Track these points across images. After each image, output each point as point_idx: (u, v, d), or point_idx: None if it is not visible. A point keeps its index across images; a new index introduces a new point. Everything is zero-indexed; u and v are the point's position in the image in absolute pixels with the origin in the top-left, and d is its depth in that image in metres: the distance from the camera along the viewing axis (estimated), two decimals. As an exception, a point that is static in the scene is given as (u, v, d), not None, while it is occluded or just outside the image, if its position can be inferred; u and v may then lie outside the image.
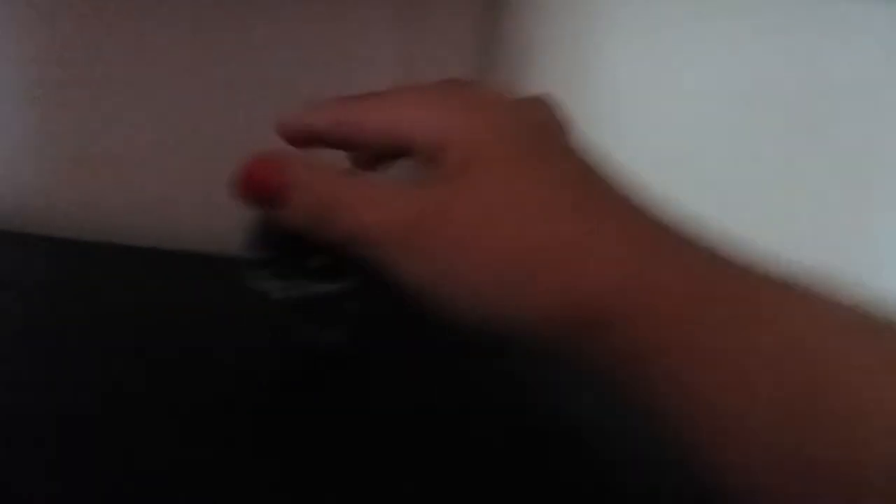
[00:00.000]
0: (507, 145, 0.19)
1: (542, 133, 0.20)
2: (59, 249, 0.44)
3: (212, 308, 0.37)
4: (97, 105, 0.48)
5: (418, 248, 0.19)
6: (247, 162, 0.21)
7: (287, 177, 0.21)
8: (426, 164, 0.20)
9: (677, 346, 0.17)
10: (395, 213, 0.19)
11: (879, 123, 0.45)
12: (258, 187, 0.21)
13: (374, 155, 0.24)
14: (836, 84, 0.44)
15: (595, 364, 0.18)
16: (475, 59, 0.44)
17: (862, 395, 0.15)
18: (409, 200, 0.19)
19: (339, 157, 0.24)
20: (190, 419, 0.27)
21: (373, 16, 0.43)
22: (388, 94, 0.21)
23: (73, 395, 0.28)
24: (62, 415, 0.26)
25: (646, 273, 0.17)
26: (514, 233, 0.18)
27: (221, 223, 0.47)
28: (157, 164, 0.49)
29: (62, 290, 0.37)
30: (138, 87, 0.47)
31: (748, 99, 0.44)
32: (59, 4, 0.45)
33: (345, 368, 0.32)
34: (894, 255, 0.46)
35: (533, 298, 0.18)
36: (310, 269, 0.26)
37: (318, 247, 0.25)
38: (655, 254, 0.18)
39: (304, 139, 0.23)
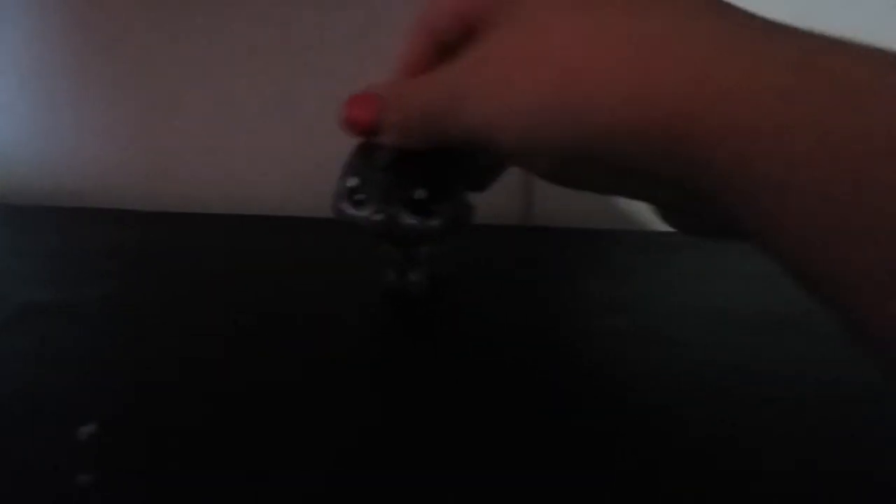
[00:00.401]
0: None
1: None
2: (134, 220, 0.48)
3: (292, 265, 0.40)
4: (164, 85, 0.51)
5: (466, 98, 0.19)
6: (345, 104, 0.24)
7: (376, 102, 0.23)
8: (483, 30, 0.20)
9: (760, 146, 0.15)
10: (450, 77, 0.20)
11: None
12: (357, 122, 0.24)
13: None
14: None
15: (674, 173, 0.16)
16: None
17: None
18: (458, 61, 0.20)
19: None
20: (284, 367, 0.29)
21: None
22: None
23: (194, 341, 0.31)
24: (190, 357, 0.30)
25: (716, 73, 0.15)
26: (565, 45, 0.17)
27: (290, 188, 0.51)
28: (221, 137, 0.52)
29: (156, 257, 0.41)
30: (200, 69, 0.50)
31: None
32: None
33: (426, 310, 0.34)
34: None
35: (594, 113, 0.17)
36: (404, 200, 0.27)
37: (414, 181, 0.27)
38: (727, 49, 0.16)
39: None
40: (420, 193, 0.27)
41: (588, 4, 0.18)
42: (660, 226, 0.24)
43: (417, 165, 0.27)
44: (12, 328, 0.31)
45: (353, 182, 0.28)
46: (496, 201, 0.36)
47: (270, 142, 0.51)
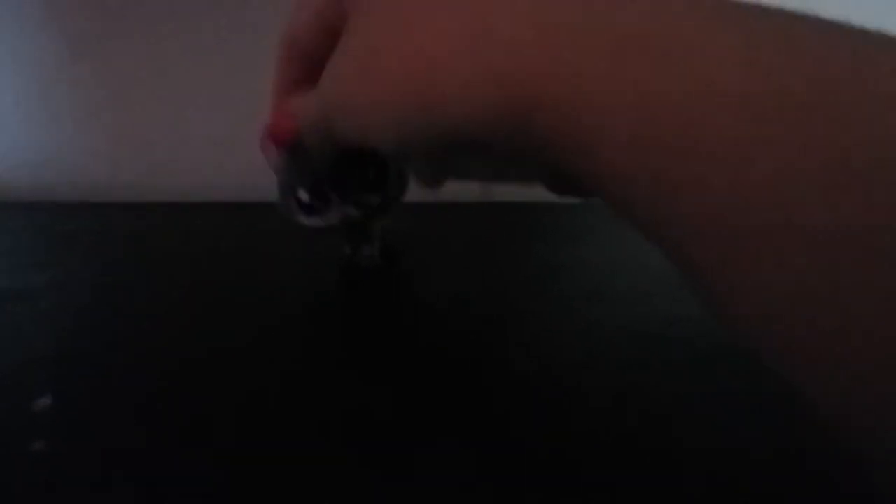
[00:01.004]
0: None
1: None
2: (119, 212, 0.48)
3: (249, 249, 0.41)
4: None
5: (339, 105, 0.20)
6: (265, 124, 0.25)
7: (293, 119, 0.24)
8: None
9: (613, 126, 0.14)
10: (320, 90, 0.21)
11: None
12: (279, 137, 0.25)
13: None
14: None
15: (535, 155, 0.17)
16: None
17: None
18: (325, 72, 0.21)
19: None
20: (252, 342, 0.31)
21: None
22: None
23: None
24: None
25: (567, 52, 0.15)
26: (412, 35, 0.17)
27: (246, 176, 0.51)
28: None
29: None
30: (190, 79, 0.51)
31: None
32: None
33: (381, 278, 0.36)
34: None
35: (439, 102, 0.17)
36: (338, 196, 0.30)
37: (344, 175, 0.29)
38: (577, 28, 0.15)
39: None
40: (302, 195, 0.30)
41: None
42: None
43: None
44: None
45: (290, 195, 0.31)
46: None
47: (230, 130, 0.52)
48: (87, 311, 0.33)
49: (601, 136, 0.14)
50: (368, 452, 0.22)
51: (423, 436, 0.23)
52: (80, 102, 0.52)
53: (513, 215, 0.48)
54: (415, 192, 0.30)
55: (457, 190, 0.46)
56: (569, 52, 0.15)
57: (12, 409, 0.24)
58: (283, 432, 0.23)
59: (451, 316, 0.32)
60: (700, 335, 0.29)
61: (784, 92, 0.12)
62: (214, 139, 0.52)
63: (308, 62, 0.23)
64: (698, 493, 0.21)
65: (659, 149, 0.13)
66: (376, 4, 0.18)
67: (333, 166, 0.28)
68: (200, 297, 0.34)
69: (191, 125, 0.52)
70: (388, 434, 0.23)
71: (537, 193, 0.48)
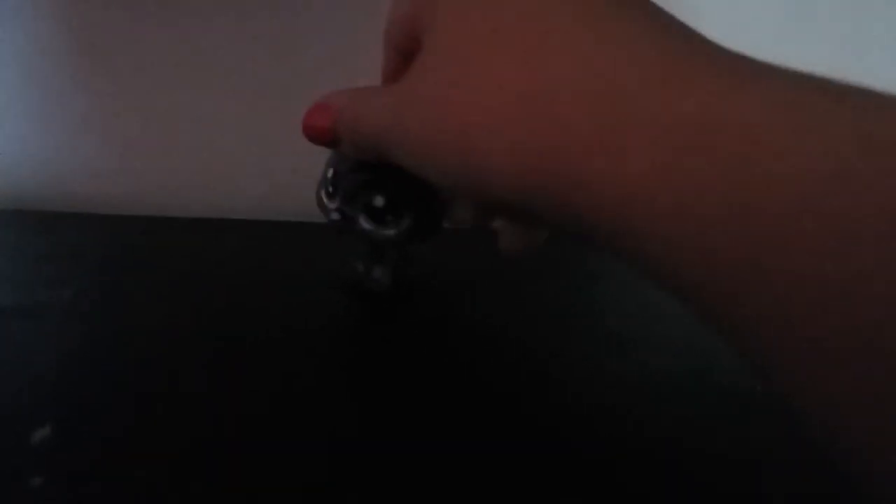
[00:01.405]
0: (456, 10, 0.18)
1: None
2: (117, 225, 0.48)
3: (260, 267, 0.40)
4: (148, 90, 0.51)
5: (401, 131, 0.19)
6: (306, 112, 0.24)
7: (331, 113, 0.22)
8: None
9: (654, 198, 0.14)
10: (391, 102, 0.20)
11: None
12: (314, 130, 0.23)
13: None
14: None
15: (576, 223, 0.16)
16: None
17: None
18: (392, 91, 0.20)
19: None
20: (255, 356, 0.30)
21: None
22: None
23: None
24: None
25: (613, 124, 0.15)
26: (469, 84, 0.17)
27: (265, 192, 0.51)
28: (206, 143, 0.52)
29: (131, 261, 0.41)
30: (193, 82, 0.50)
31: None
32: None
33: (386, 307, 0.34)
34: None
35: (492, 157, 0.17)
36: (364, 204, 0.27)
37: (377, 186, 0.27)
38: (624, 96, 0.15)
39: None
40: (378, 201, 0.27)
41: (494, 36, 0.17)
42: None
43: (387, 170, 0.26)
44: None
45: (330, 172, 0.28)
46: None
47: (251, 146, 0.51)
48: (91, 331, 0.32)
49: (652, 231, 0.14)
50: (371, 479, 0.21)
51: (426, 464, 0.22)
52: (87, 106, 0.51)
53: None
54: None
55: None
56: (629, 138, 0.14)
57: (9, 442, 0.23)
58: (288, 459, 0.23)
59: (456, 355, 0.31)
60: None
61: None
62: (233, 152, 0.52)
63: (401, 56, 0.22)
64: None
65: (730, 264, 0.13)
66: (443, 43, 0.18)
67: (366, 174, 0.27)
68: (208, 317, 0.33)
69: (208, 141, 0.51)
70: (388, 464, 0.22)
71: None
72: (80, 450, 0.23)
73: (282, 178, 0.50)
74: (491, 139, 0.16)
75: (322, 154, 0.28)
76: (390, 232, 0.28)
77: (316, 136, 0.23)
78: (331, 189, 0.28)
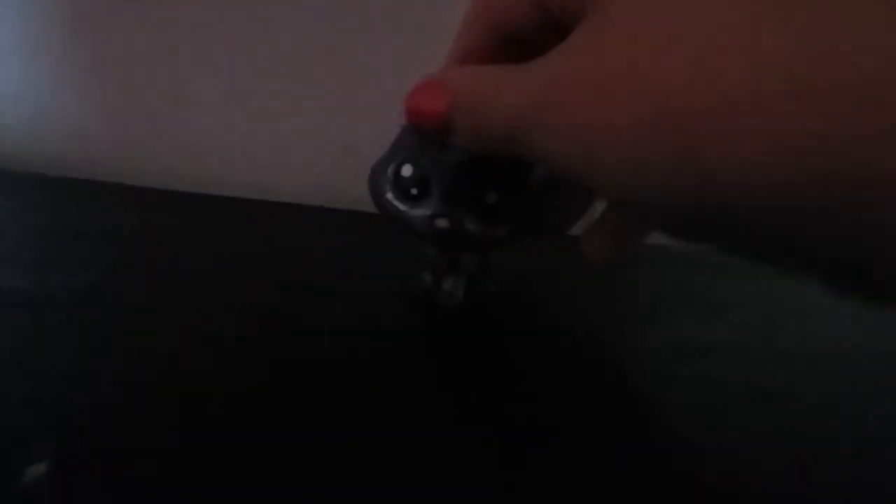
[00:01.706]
0: None
1: None
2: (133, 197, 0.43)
3: (308, 258, 0.35)
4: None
5: (561, 119, 0.15)
6: (411, 91, 0.19)
7: (447, 96, 0.18)
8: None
9: None
10: (539, 84, 0.15)
11: None
12: (425, 116, 0.18)
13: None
14: None
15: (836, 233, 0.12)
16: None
17: None
18: (539, 70, 0.15)
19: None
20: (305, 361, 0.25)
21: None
22: None
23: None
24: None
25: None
26: (681, 64, 0.13)
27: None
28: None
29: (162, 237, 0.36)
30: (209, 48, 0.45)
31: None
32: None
33: (455, 324, 0.29)
34: None
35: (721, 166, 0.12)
36: (473, 203, 0.23)
37: (487, 181, 0.23)
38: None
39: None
40: (492, 197, 0.23)
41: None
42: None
43: (493, 162, 0.22)
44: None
45: (407, 171, 0.23)
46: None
47: (290, 126, 0.46)
48: (121, 326, 0.27)
49: None
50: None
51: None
52: (108, 72, 0.47)
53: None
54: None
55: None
56: None
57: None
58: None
59: (536, 380, 0.25)
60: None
61: None
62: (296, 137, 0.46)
63: (499, 32, 0.19)
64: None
65: None
66: (623, 9, 0.14)
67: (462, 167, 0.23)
68: (252, 319, 0.28)
69: (268, 121, 0.46)
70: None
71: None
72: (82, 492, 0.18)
73: (329, 164, 0.45)
74: (744, 129, 0.12)
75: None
76: (502, 232, 0.23)
77: (424, 121, 0.19)
78: (414, 191, 0.23)
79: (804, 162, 0.11)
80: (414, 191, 0.23)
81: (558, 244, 0.25)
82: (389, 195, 0.24)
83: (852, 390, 0.26)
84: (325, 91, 0.44)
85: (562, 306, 0.32)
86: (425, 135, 0.22)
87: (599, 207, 0.23)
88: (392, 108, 0.21)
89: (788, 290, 0.34)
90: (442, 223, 0.23)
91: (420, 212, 0.23)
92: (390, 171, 0.24)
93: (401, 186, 0.23)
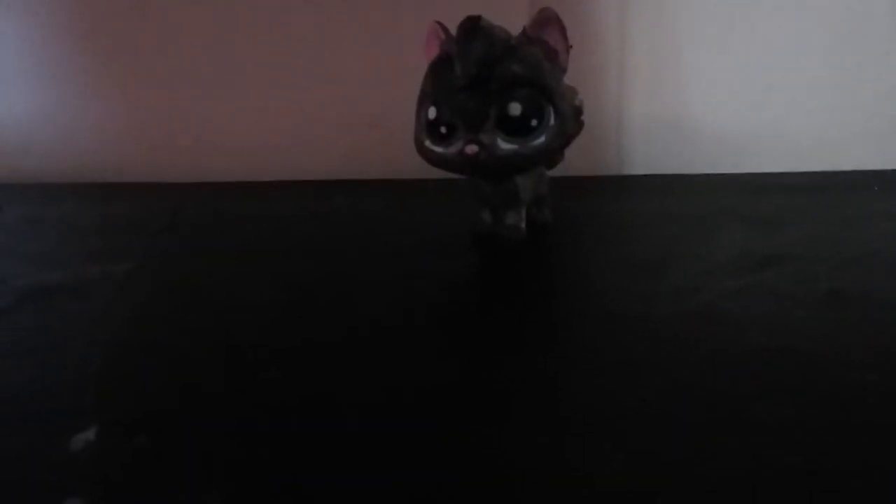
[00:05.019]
0: None
1: None
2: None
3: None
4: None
5: None
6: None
7: None
8: None
9: None
10: None
11: None
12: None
13: None
14: None
15: None
16: None
17: None
18: None
19: None
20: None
21: None
22: None
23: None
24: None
25: None
26: None
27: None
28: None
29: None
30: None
31: None
32: None
33: (521, 257, 0.28)
34: None
35: None
36: (498, 120, 0.23)
37: (504, 94, 0.23)
38: None
39: None
40: (515, 108, 0.23)
41: None
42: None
43: (505, 75, 0.23)
44: (11, 315, 0.25)
45: (432, 113, 0.24)
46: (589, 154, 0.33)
47: (309, 104, 0.44)
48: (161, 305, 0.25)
49: None
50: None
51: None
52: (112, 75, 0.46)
53: (649, 188, 0.39)
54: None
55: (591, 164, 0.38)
56: None
57: (44, 447, 0.16)
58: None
59: (603, 312, 0.23)
60: None
61: None
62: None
63: None
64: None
65: None
66: None
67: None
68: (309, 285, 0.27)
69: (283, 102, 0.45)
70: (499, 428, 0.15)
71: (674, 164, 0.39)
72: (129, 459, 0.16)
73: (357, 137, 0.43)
74: None
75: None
76: (540, 140, 0.23)
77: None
78: (443, 129, 0.23)
79: None
80: (443, 129, 0.23)
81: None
82: (427, 142, 0.24)
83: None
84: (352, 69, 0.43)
85: (617, 236, 0.31)
86: (437, 70, 0.24)
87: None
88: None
89: (834, 203, 0.33)
90: (473, 149, 0.22)
91: (454, 147, 0.23)
92: (422, 119, 0.24)
93: (432, 130, 0.24)
